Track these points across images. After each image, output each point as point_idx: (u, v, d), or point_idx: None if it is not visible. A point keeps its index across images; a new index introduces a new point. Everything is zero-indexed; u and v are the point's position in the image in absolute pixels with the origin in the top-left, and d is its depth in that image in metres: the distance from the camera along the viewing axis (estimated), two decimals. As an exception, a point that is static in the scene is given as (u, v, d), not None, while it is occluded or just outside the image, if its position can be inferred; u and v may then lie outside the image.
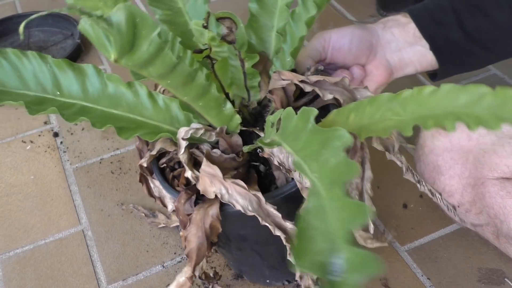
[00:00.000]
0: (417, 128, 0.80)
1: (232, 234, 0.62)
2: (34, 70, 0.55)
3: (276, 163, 0.53)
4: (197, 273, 0.54)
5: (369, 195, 0.54)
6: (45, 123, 1.04)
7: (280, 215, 0.51)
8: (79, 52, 1.20)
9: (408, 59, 0.67)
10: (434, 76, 0.70)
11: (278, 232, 0.50)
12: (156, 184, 0.64)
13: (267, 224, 0.50)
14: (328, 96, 0.56)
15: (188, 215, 0.55)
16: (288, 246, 0.50)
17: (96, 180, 0.92)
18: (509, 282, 0.72)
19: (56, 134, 1.01)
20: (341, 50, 0.65)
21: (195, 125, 0.57)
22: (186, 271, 0.53)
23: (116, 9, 0.44)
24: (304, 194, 0.51)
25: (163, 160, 0.62)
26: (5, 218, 0.87)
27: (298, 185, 0.52)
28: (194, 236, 0.54)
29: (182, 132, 0.56)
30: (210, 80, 0.54)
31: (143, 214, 0.83)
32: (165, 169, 0.62)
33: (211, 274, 0.59)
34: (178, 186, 0.60)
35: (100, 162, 0.95)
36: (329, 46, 0.66)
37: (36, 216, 0.86)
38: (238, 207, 0.52)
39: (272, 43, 0.65)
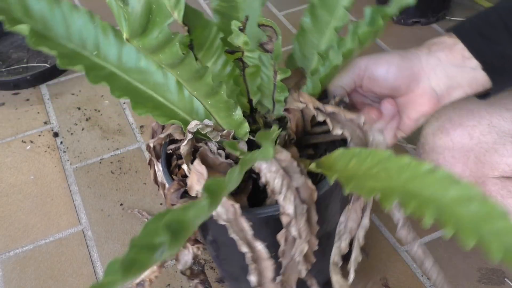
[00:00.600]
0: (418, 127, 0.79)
1: (219, 238, 0.62)
2: (81, 26, 0.57)
3: (263, 180, 0.52)
4: (180, 267, 0.55)
5: (360, 243, 0.52)
6: (45, 123, 1.04)
7: (251, 232, 0.50)
8: (79, 52, 1.20)
9: (456, 84, 0.62)
10: (484, 96, 0.64)
11: (245, 249, 0.49)
12: (159, 168, 0.65)
13: (234, 237, 0.49)
14: (338, 131, 0.54)
15: (173, 205, 0.56)
16: (252, 266, 0.49)
17: (96, 180, 0.92)
18: (509, 282, 0.72)
19: (56, 134, 1.01)
20: (376, 80, 0.62)
21: (207, 121, 0.58)
22: None
23: None
24: (283, 220, 0.49)
25: (172, 146, 0.62)
26: (5, 218, 0.86)
27: (280, 209, 0.50)
28: None
29: (192, 124, 0.56)
30: (221, 83, 0.54)
31: (146, 220, 0.82)
32: (172, 155, 0.62)
33: (196, 271, 0.59)
34: (176, 175, 0.60)
35: (100, 162, 0.95)
36: (364, 74, 0.62)
37: (36, 216, 0.86)
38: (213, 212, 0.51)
39: (313, 62, 0.63)
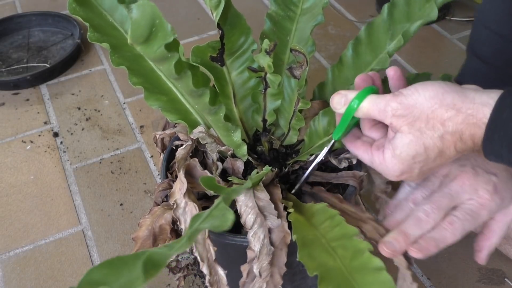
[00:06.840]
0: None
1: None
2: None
3: (238, 211, 0.51)
4: None
5: None
6: (45, 123, 1.04)
7: (214, 256, 0.50)
8: (79, 52, 1.20)
9: None
10: None
11: (205, 270, 0.50)
12: (160, 160, 0.65)
13: (197, 256, 0.49)
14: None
15: (157, 204, 0.56)
16: None
17: (96, 180, 0.92)
18: (509, 282, 0.72)
19: (56, 134, 1.01)
20: None
21: (212, 131, 0.57)
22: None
23: (137, 5, 0.45)
24: (249, 254, 0.49)
25: (178, 142, 0.62)
26: (5, 218, 0.87)
27: (249, 244, 0.50)
28: (146, 227, 0.55)
29: (196, 130, 0.56)
30: (221, 105, 0.54)
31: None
32: (176, 150, 0.62)
33: (181, 265, 0.60)
34: (172, 173, 0.60)
35: (100, 162, 0.95)
36: None
37: (36, 216, 0.86)
38: (182, 226, 0.51)
39: None
